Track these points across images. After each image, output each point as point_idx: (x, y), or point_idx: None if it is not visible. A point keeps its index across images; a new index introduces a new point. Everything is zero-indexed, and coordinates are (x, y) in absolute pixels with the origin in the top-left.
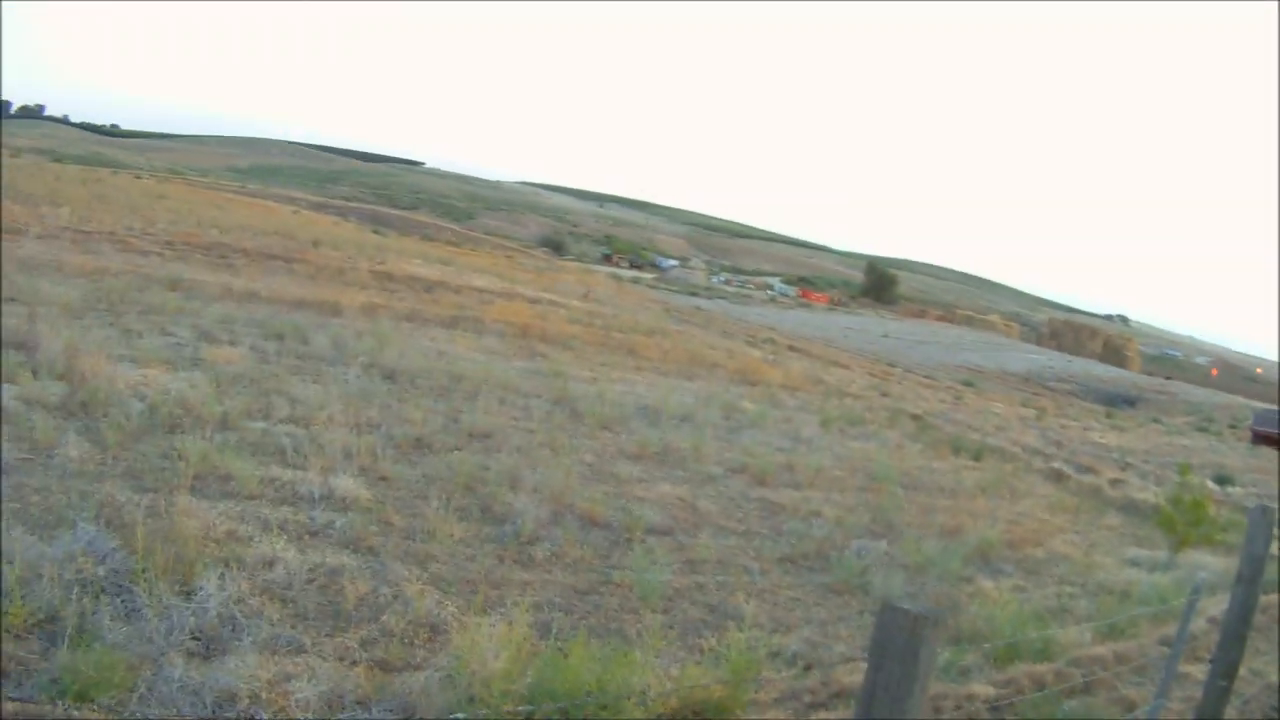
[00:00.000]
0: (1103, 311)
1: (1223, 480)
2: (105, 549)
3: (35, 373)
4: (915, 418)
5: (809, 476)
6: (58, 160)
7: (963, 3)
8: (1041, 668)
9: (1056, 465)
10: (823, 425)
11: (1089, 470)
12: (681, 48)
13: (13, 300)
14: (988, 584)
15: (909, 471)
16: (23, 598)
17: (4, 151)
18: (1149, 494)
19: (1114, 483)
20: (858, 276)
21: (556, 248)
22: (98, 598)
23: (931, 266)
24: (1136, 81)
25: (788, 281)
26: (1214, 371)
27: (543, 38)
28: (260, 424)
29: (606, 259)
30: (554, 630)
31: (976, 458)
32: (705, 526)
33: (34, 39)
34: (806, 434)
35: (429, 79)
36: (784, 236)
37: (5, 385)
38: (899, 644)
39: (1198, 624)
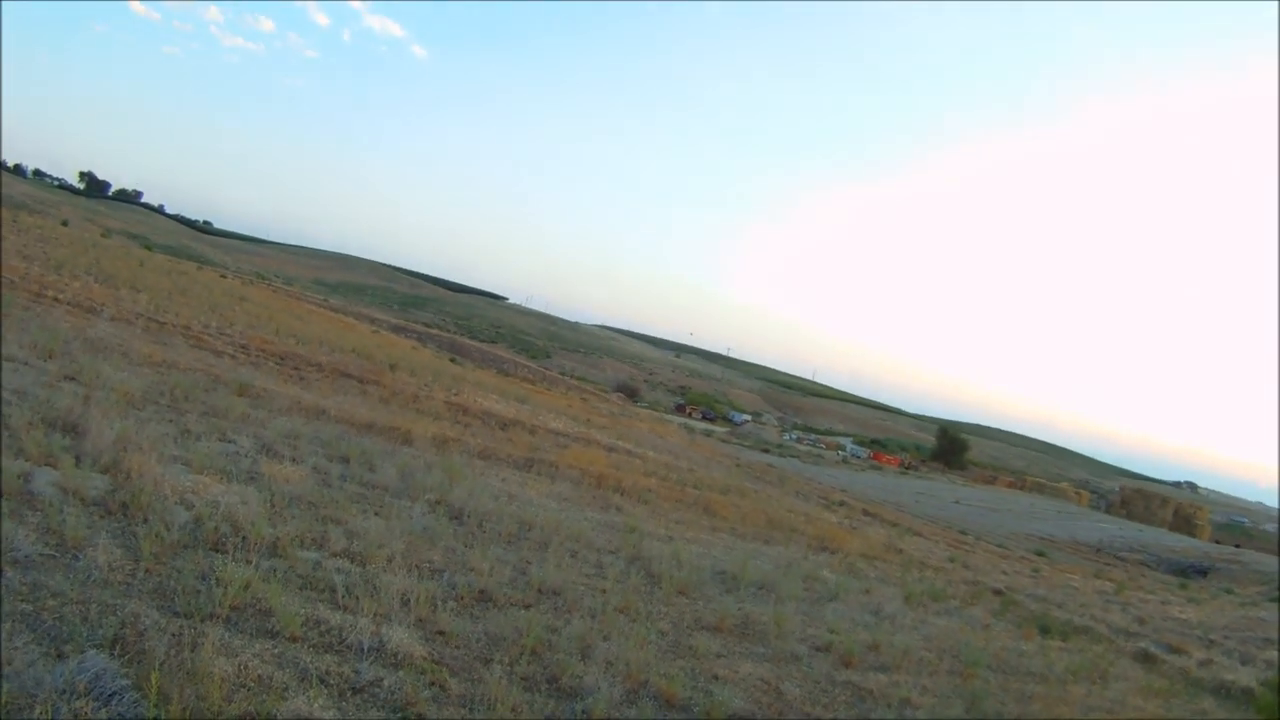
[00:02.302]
0: (1172, 478)
1: None
2: (114, 686)
3: (79, 460)
4: (998, 593)
5: (896, 658)
6: (146, 247)
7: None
8: None
9: (1143, 645)
10: (906, 600)
11: (1176, 650)
12: (754, 216)
13: (72, 379)
14: None
15: (997, 654)
16: None
17: (92, 229)
18: (1239, 675)
19: (1202, 663)
20: (929, 439)
21: (631, 393)
22: None
23: (1002, 431)
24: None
25: (860, 442)
26: None
27: (622, 203)
28: (313, 554)
29: (680, 409)
30: None
31: (1065, 638)
32: (790, 713)
33: (136, 125)
34: (889, 609)
35: (520, 225)
36: (856, 397)
37: (45, 469)
38: None
39: None
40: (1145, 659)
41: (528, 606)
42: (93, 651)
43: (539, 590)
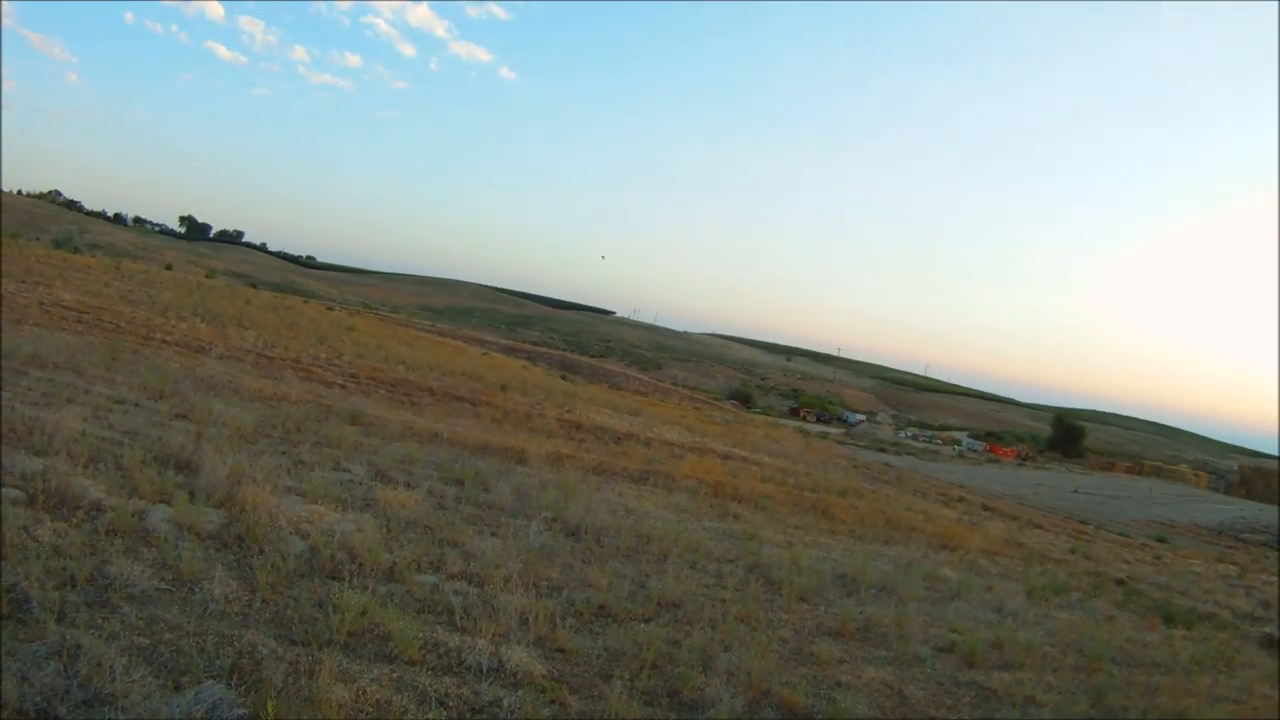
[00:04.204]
0: None
1: None
2: (231, 715)
3: (193, 496)
4: (1120, 583)
5: (1019, 655)
6: (252, 285)
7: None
8: None
9: (1269, 630)
10: (1028, 596)
11: None
12: (864, 218)
13: (184, 417)
14: None
15: (1122, 646)
16: None
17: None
18: None
19: None
20: (1045, 429)
21: (744, 400)
22: None
23: (1116, 416)
24: None
25: (975, 436)
26: None
27: (732, 203)
28: (430, 578)
29: (794, 412)
30: None
31: (1189, 626)
32: (914, 716)
33: (234, 167)
34: (1012, 606)
35: (625, 237)
36: (970, 390)
37: (160, 506)
38: None
39: None
40: (1270, 644)
41: (647, 620)
42: (210, 682)
43: (658, 603)
